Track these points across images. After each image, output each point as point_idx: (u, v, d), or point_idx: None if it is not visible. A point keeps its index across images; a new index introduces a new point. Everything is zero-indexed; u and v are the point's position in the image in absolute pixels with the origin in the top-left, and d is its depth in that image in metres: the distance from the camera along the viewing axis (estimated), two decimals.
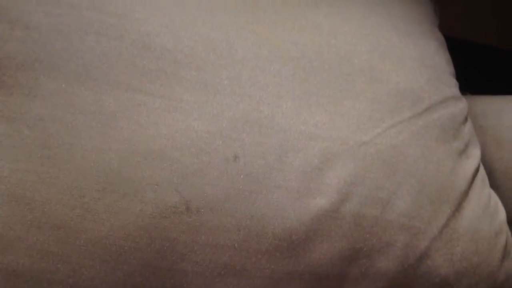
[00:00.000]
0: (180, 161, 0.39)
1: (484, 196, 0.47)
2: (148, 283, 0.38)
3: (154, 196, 0.38)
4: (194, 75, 0.43)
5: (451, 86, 0.53)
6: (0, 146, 0.39)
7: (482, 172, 0.49)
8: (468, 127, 0.51)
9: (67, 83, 0.41)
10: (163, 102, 0.41)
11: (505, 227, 0.47)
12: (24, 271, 0.36)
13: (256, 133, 0.41)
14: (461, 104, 0.51)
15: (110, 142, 0.39)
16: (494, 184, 0.50)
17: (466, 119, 0.51)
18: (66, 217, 0.37)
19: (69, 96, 0.41)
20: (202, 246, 0.38)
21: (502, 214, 0.47)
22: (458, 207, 0.44)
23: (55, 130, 0.40)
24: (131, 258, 0.37)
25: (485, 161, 0.51)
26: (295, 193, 0.40)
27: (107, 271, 0.37)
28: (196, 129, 0.41)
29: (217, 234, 0.38)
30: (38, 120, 0.40)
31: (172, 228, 0.38)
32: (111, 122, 0.40)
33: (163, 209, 0.38)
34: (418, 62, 0.51)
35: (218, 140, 0.40)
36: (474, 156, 0.49)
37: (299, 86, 0.45)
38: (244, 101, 0.43)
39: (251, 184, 0.39)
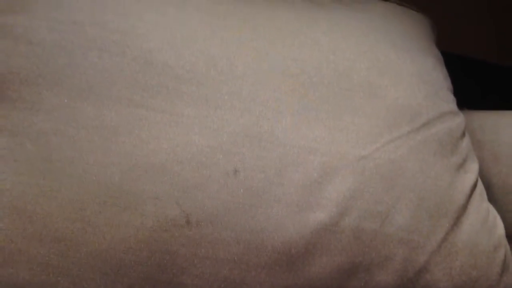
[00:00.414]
0: (180, 175, 0.40)
1: (482, 210, 0.47)
2: None
3: (154, 209, 0.38)
4: (195, 91, 0.44)
5: (449, 102, 0.53)
6: (2, 159, 0.39)
7: (480, 186, 0.49)
8: (466, 142, 0.51)
9: (70, 98, 0.42)
10: (164, 117, 0.42)
11: (504, 241, 0.47)
12: (25, 284, 0.36)
13: (256, 147, 0.42)
14: (459, 119, 0.52)
15: (112, 156, 0.40)
16: (492, 199, 0.51)
17: (463, 134, 0.52)
18: (67, 230, 0.37)
19: (71, 111, 0.42)
20: (202, 259, 0.38)
21: (500, 228, 0.48)
22: (456, 221, 0.44)
23: (57, 144, 0.40)
24: (131, 271, 0.37)
25: (483, 176, 0.52)
26: (294, 207, 0.40)
27: (108, 284, 0.37)
28: (197, 143, 0.41)
29: (217, 247, 0.38)
30: (40, 134, 0.41)
31: (172, 241, 0.38)
32: (112, 136, 0.41)
33: (164, 222, 0.38)
34: (416, 78, 0.52)
35: (219, 154, 0.41)
36: (472, 170, 0.49)
37: (299, 101, 0.46)
38: (244, 116, 0.43)
39: (251, 198, 0.40)
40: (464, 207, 0.45)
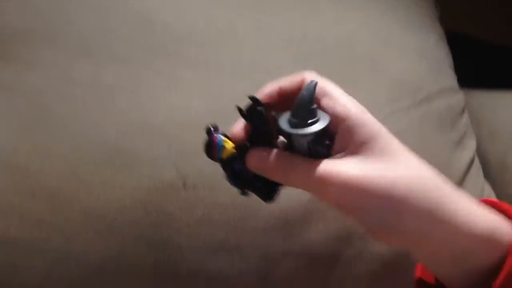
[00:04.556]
0: (178, 138, 0.39)
1: (477, 187, 0.47)
2: (142, 255, 0.37)
3: (151, 171, 0.38)
4: (194, 53, 0.43)
5: (450, 78, 0.53)
6: None
7: (476, 163, 0.49)
8: (464, 119, 0.51)
9: (66, 56, 0.41)
10: (163, 79, 0.41)
11: None
12: (16, 239, 0.36)
13: None
14: (459, 96, 0.52)
15: (108, 115, 0.39)
16: (488, 176, 0.51)
17: (463, 111, 0.51)
18: (60, 188, 0.37)
19: (67, 68, 0.41)
20: (198, 222, 0.38)
21: None
22: None
23: (52, 100, 0.39)
24: (126, 230, 0.37)
25: (480, 153, 0.52)
26: None
27: (101, 242, 0.37)
28: (196, 106, 0.40)
29: (213, 210, 0.38)
30: (35, 91, 0.40)
31: (168, 203, 0.37)
32: (109, 95, 0.40)
33: (160, 184, 0.38)
34: (418, 53, 0.52)
35: (217, 119, 0.40)
36: (470, 147, 0.49)
37: (299, 68, 0.45)
38: (244, 81, 0.43)
39: None
40: (460, 183, 0.45)
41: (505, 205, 0.29)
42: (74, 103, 0.39)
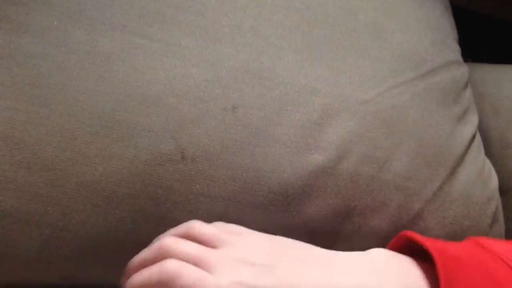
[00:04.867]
0: (177, 108, 0.38)
1: (479, 162, 0.47)
2: (140, 229, 0.37)
3: (148, 142, 0.37)
4: (193, 20, 0.41)
5: (454, 51, 0.52)
6: None
7: (478, 138, 0.49)
8: (468, 93, 0.50)
9: (60, 21, 0.39)
10: (161, 46, 0.40)
11: (497, 194, 0.47)
12: (12, 212, 0.35)
13: (256, 84, 0.40)
14: (463, 69, 0.51)
15: (104, 85, 0.38)
16: (489, 152, 0.50)
17: (466, 85, 0.51)
18: (57, 159, 0.36)
19: (61, 34, 0.39)
20: (196, 196, 0.37)
21: (494, 181, 0.48)
22: (453, 172, 0.44)
23: (46, 69, 0.38)
24: (124, 204, 0.36)
25: (482, 128, 0.51)
26: (293, 148, 0.39)
27: (98, 216, 0.36)
28: (195, 76, 0.39)
29: (212, 184, 0.37)
30: (28, 57, 0.38)
31: (166, 176, 0.37)
32: (105, 64, 0.39)
33: (158, 156, 0.37)
34: (424, 23, 0.50)
35: (217, 89, 0.39)
36: (472, 122, 0.48)
37: (302, 39, 0.44)
38: (244, 50, 0.41)
39: (249, 136, 0.38)
40: (461, 158, 0.45)
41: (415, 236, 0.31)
42: (69, 71, 0.38)
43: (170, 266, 0.27)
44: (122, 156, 0.37)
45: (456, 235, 0.43)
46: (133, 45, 0.39)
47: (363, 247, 0.35)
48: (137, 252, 0.34)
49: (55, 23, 0.39)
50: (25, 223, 0.35)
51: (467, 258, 0.30)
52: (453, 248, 0.30)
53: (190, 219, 0.36)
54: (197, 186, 0.37)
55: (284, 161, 0.38)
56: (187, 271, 0.26)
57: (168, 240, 0.29)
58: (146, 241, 0.35)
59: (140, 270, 0.29)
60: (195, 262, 0.28)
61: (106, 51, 0.39)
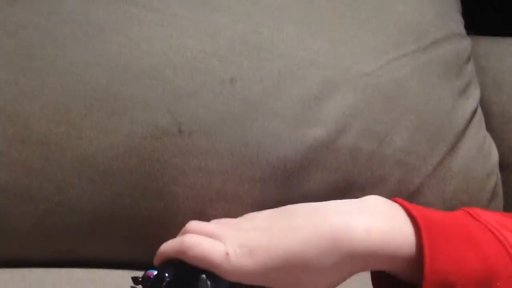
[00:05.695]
0: (173, 81, 0.37)
1: (479, 137, 0.46)
2: (137, 204, 0.37)
3: (145, 115, 0.36)
4: None
5: (457, 23, 0.51)
6: None
7: (479, 113, 0.48)
8: (470, 67, 0.49)
9: None
10: (156, 16, 0.38)
11: (496, 169, 0.47)
12: (7, 187, 0.35)
13: (254, 56, 0.39)
14: (466, 42, 0.50)
15: (98, 56, 0.37)
16: (489, 127, 0.50)
17: (469, 59, 0.49)
18: (51, 133, 0.35)
19: (53, 3, 0.38)
20: (194, 170, 0.37)
21: (495, 157, 0.47)
22: (453, 146, 0.43)
23: (38, 39, 0.37)
24: (120, 178, 0.36)
25: (483, 103, 0.50)
26: (292, 122, 0.38)
27: (94, 191, 0.36)
28: (191, 47, 0.38)
29: (209, 158, 0.37)
30: (19, 27, 0.37)
31: (163, 150, 0.36)
32: (99, 34, 0.37)
33: (154, 130, 0.36)
34: None
35: (214, 61, 0.38)
36: (474, 96, 0.48)
37: (302, 10, 0.42)
38: (243, 21, 0.40)
39: (247, 110, 0.38)
40: (462, 133, 0.44)
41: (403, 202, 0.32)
42: (62, 42, 0.37)
43: (186, 239, 0.32)
44: (118, 130, 0.36)
45: (455, 210, 0.42)
46: (127, 15, 0.38)
47: None
48: (134, 227, 0.34)
49: None
50: (20, 197, 0.35)
51: (453, 226, 0.31)
52: (440, 216, 0.31)
53: (188, 193, 0.36)
54: (195, 160, 0.36)
55: (283, 135, 0.38)
56: (201, 242, 0.32)
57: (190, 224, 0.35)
58: (143, 216, 0.35)
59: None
60: (210, 235, 0.32)
61: (100, 21, 0.38)
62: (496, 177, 0.46)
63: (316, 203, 0.33)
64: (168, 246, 0.33)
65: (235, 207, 0.37)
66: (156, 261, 0.34)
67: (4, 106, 0.35)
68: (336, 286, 0.32)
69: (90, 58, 0.36)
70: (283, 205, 0.35)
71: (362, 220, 0.30)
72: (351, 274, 0.31)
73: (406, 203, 0.32)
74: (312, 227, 0.30)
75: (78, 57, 0.36)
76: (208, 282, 0.31)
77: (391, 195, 0.40)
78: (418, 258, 0.29)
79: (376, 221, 0.30)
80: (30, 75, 0.36)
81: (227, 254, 0.30)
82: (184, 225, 0.34)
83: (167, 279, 0.31)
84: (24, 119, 0.35)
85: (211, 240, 0.32)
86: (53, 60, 0.36)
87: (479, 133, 0.46)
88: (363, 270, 0.31)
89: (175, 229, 0.35)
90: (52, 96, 0.36)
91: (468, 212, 0.33)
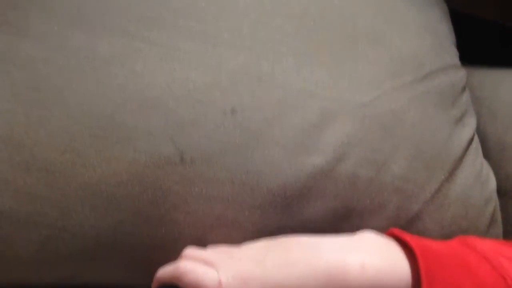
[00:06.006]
0: (176, 111, 0.38)
1: (477, 164, 0.47)
2: (139, 231, 0.37)
3: (147, 145, 0.37)
4: (193, 25, 0.41)
5: (452, 55, 0.52)
6: None
7: (476, 141, 0.49)
8: (465, 97, 0.50)
9: (60, 25, 0.40)
10: (160, 50, 0.40)
11: (495, 195, 0.47)
12: (11, 214, 0.35)
13: (255, 87, 0.40)
14: (461, 73, 0.51)
15: (104, 88, 0.38)
16: (486, 154, 0.50)
17: (464, 88, 0.51)
18: (56, 161, 0.36)
19: (61, 38, 0.39)
20: (195, 198, 0.37)
21: (492, 183, 0.48)
22: (451, 174, 0.44)
23: (46, 72, 0.38)
24: (122, 205, 0.37)
25: (480, 132, 0.51)
26: (292, 150, 0.39)
27: (97, 217, 0.36)
28: (194, 79, 0.39)
29: (210, 186, 0.37)
30: (28, 61, 0.39)
31: (165, 178, 0.37)
32: (105, 67, 0.39)
33: (157, 159, 0.37)
34: (422, 28, 0.50)
35: (216, 92, 0.39)
36: (470, 125, 0.49)
37: (301, 43, 0.44)
38: (244, 54, 0.42)
39: (248, 139, 0.39)
40: (459, 160, 0.45)
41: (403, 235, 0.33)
42: (69, 74, 0.38)
43: (181, 265, 0.33)
44: (121, 158, 0.37)
45: (454, 236, 0.43)
46: (132, 49, 0.40)
47: None
48: (135, 254, 0.34)
49: (55, 27, 0.39)
50: (23, 224, 0.35)
51: (450, 255, 0.31)
52: (436, 246, 0.32)
53: (189, 220, 0.36)
54: (196, 188, 0.37)
55: (283, 164, 0.39)
56: (195, 268, 0.32)
57: (187, 250, 0.36)
58: (145, 242, 0.35)
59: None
60: (205, 262, 0.33)
61: (106, 55, 0.39)
62: (494, 204, 0.47)
63: (312, 238, 0.34)
64: (165, 272, 0.34)
65: (235, 233, 0.37)
66: (154, 285, 0.35)
67: (12, 135, 0.36)
68: None
69: (96, 90, 0.38)
70: (284, 231, 0.35)
71: (357, 256, 0.30)
72: None
73: (401, 233, 0.32)
74: (308, 262, 0.31)
75: (84, 89, 0.38)
76: None
77: (390, 222, 0.41)
78: None
79: (371, 258, 0.30)
80: (37, 105, 0.37)
81: (220, 282, 0.31)
82: None
83: None
84: (30, 147, 0.36)
85: (205, 267, 0.32)
86: (60, 91, 0.38)
87: (476, 161, 0.47)
88: None
89: (176, 255, 0.35)
90: (58, 125, 0.37)
91: (464, 241, 0.33)
